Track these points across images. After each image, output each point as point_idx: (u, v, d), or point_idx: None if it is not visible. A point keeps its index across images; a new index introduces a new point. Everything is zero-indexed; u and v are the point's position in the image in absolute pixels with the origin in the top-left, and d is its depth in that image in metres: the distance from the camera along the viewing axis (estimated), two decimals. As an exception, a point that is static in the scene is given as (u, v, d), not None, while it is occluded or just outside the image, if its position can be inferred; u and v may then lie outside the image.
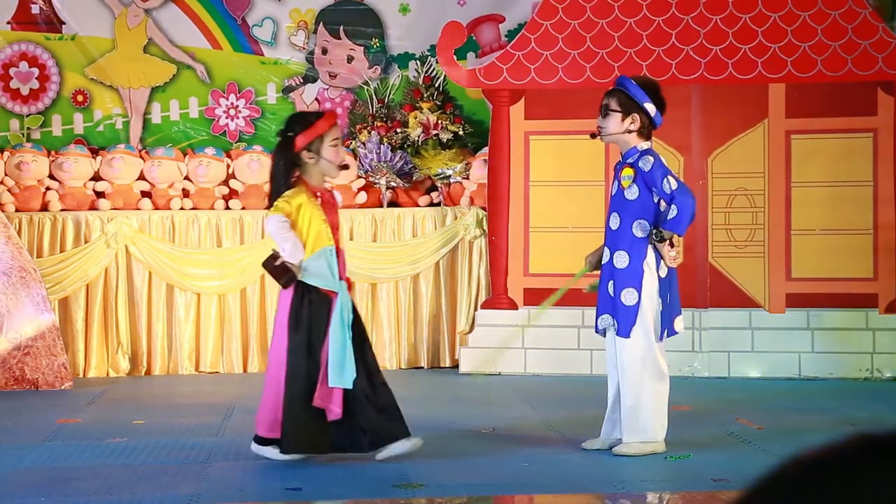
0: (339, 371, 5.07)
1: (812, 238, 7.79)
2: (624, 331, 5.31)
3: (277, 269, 5.10)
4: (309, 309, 5.13)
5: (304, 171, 5.22)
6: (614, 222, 5.39)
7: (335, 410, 5.10)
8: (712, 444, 5.61)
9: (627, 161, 5.39)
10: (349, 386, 5.09)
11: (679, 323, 5.43)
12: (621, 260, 5.34)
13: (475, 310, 8.23)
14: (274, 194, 5.21)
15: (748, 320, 7.77)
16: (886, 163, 7.73)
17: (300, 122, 5.32)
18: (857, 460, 0.98)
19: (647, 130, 5.40)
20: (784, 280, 7.80)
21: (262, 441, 5.26)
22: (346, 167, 5.63)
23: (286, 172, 5.19)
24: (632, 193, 5.35)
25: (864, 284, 7.73)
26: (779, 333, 7.72)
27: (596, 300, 5.48)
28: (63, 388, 7.48)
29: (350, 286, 5.27)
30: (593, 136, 5.50)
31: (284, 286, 5.15)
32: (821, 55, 7.70)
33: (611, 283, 5.36)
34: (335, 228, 5.23)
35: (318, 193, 5.24)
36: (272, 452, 5.22)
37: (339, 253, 5.21)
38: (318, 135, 5.20)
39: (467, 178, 8.54)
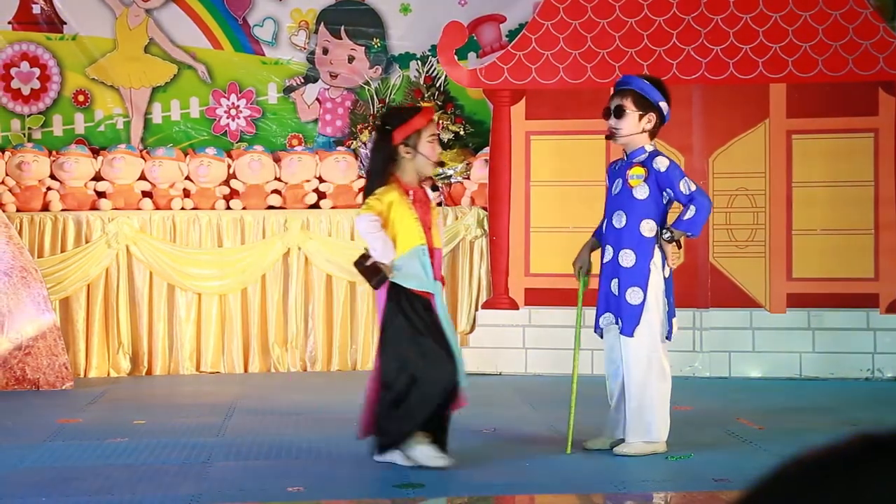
0: (462, 370, 5.14)
1: (813, 238, 7.79)
2: (628, 330, 5.30)
3: (368, 269, 5.01)
4: (411, 312, 5.03)
5: (398, 167, 5.12)
6: (619, 221, 5.36)
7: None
8: (713, 444, 5.61)
9: (634, 160, 5.38)
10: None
11: (675, 324, 5.44)
12: (627, 259, 5.33)
13: (476, 310, 8.23)
14: (368, 190, 5.13)
15: (749, 320, 7.77)
16: (887, 163, 7.73)
17: (398, 116, 5.24)
18: (857, 460, 0.98)
19: (656, 129, 5.42)
20: (785, 280, 7.79)
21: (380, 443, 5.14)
22: (441, 164, 5.60)
23: (384, 168, 5.10)
24: (641, 193, 5.35)
25: (865, 284, 7.73)
26: (780, 333, 7.71)
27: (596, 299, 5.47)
28: (64, 388, 7.48)
29: (444, 285, 5.25)
30: (609, 137, 5.48)
31: (375, 287, 5.07)
32: (822, 55, 7.70)
33: (615, 281, 5.34)
34: (428, 227, 5.12)
35: (411, 191, 5.14)
36: (400, 457, 5.09)
37: (432, 252, 5.12)
38: (415, 130, 5.11)
39: (468, 178, 8.54)
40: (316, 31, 8.98)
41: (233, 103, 8.95)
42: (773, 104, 7.79)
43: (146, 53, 8.85)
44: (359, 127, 8.84)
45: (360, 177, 8.59)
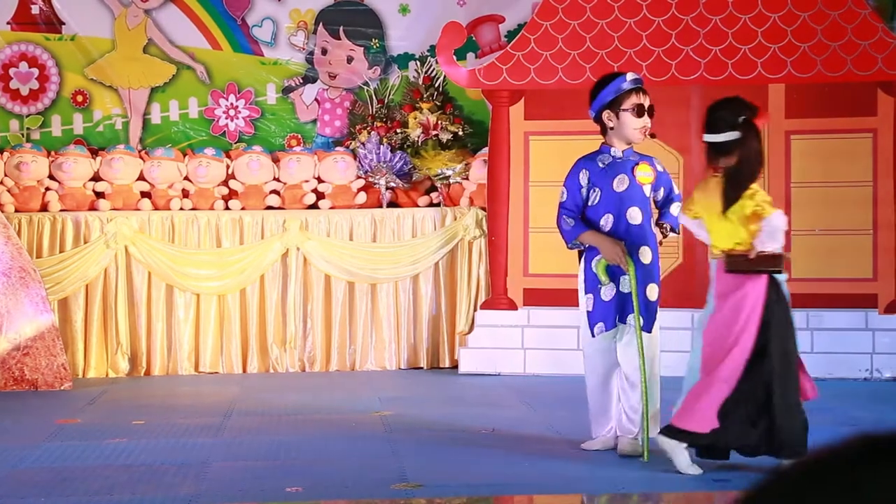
0: None
1: (812, 238, 7.79)
2: (648, 326, 5.30)
3: (765, 259, 4.86)
4: (779, 304, 4.93)
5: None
6: (636, 217, 5.33)
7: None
8: (712, 444, 5.60)
9: (633, 158, 5.38)
10: None
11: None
12: (646, 256, 5.32)
13: (475, 310, 8.23)
14: (742, 186, 4.91)
15: (748, 321, 7.77)
16: (886, 163, 7.73)
17: (746, 106, 5.01)
18: (858, 461, 0.98)
19: None
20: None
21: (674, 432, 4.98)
22: None
23: (759, 161, 4.95)
24: (648, 190, 5.39)
25: (864, 285, 7.73)
26: (778, 334, 7.70)
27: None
28: (62, 388, 7.48)
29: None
30: (653, 136, 5.51)
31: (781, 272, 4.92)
32: (820, 55, 7.70)
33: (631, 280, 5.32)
34: None
35: None
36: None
37: None
38: (768, 121, 5.07)
39: (467, 179, 8.54)
40: (315, 32, 8.98)
41: (231, 104, 8.95)
42: (772, 104, 7.79)
43: (145, 54, 8.85)
44: (357, 127, 8.83)
45: (360, 177, 8.59)
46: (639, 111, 5.32)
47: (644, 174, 5.36)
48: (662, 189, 5.45)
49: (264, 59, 8.98)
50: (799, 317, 7.72)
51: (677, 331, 7.72)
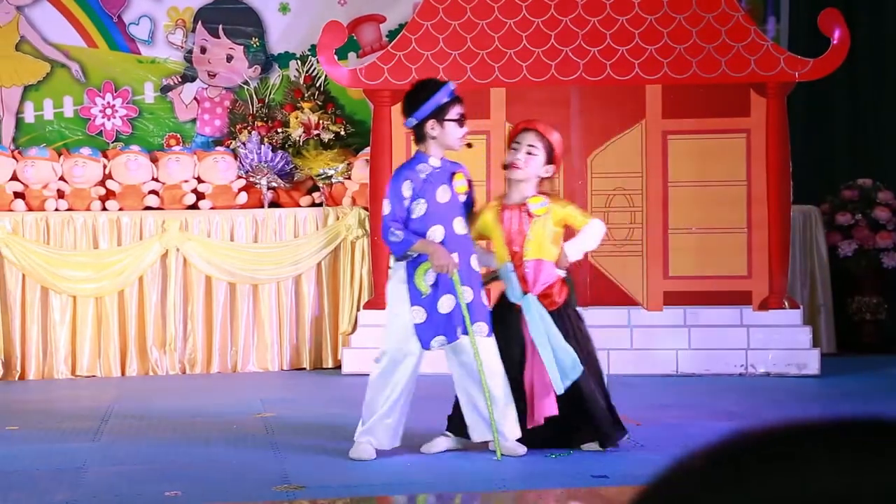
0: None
1: (688, 237, 7.93)
2: (491, 331, 5.34)
3: None
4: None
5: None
6: (461, 227, 5.34)
7: None
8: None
9: (448, 168, 5.37)
10: None
11: None
12: (475, 263, 5.38)
13: (358, 310, 8.21)
14: None
15: (627, 318, 7.89)
16: (759, 163, 7.90)
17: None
18: (741, 458, 0.97)
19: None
20: (661, 278, 7.93)
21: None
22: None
23: None
24: (463, 199, 5.41)
25: (739, 282, 7.90)
26: (657, 331, 7.84)
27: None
28: (-67, 394, 7.27)
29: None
30: (469, 146, 5.52)
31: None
32: (695, 57, 7.85)
33: (468, 289, 5.30)
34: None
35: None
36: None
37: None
38: None
39: (349, 179, 8.52)
40: (193, 30, 8.87)
41: (108, 102, 8.80)
42: (649, 105, 7.92)
43: (17, 51, 8.66)
44: (238, 127, 8.76)
45: (240, 177, 8.51)
46: (461, 121, 5.35)
47: (460, 183, 5.36)
48: (468, 197, 5.46)
49: (142, 58, 8.85)
50: (676, 314, 7.90)
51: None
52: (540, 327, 5.28)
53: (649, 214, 7.94)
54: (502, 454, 5.21)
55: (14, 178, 8.29)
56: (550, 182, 5.55)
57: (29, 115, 8.72)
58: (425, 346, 5.29)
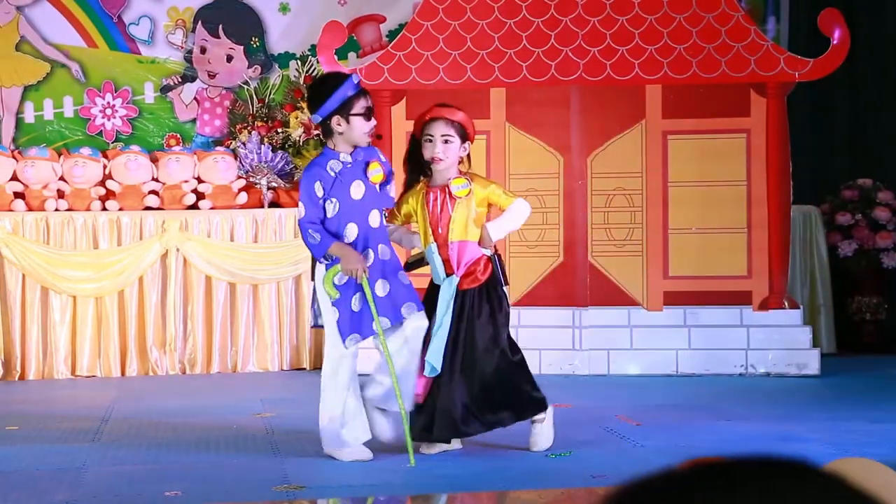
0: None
1: (688, 237, 7.93)
2: (419, 306, 5.33)
3: None
4: None
5: None
6: (376, 220, 5.32)
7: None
8: (592, 441, 5.68)
9: (360, 158, 5.33)
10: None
11: None
12: (384, 252, 5.32)
13: (357, 310, 8.20)
14: None
15: (627, 318, 7.89)
16: (759, 163, 7.90)
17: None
18: (692, 484, 1.07)
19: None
20: (661, 278, 7.93)
21: None
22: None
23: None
24: (379, 186, 5.40)
25: (739, 282, 7.90)
26: (657, 331, 7.84)
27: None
28: (-67, 394, 7.27)
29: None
30: (379, 136, 5.60)
31: None
32: (695, 57, 7.85)
33: (382, 281, 5.28)
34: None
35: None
36: None
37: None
38: None
39: (349, 179, 8.51)
40: (193, 30, 8.88)
41: (108, 102, 8.80)
42: (649, 105, 7.92)
43: (17, 51, 8.66)
44: (238, 127, 8.76)
45: (240, 177, 8.51)
46: (368, 114, 5.30)
47: (375, 172, 5.32)
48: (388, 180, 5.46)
49: (142, 58, 8.85)
50: (676, 314, 7.90)
51: (560, 329, 7.82)
52: (444, 307, 5.27)
53: (649, 214, 7.94)
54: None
55: (14, 178, 8.29)
56: (468, 159, 5.48)
57: (29, 115, 8.72)
58: (342, 343, 5.25)
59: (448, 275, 5.34)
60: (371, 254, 5.27)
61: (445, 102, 5.67)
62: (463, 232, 5.35)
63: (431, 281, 5.45)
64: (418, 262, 5.53)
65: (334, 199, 5.25)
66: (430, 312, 5.32)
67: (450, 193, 5.38)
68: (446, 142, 5.38)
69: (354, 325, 5.24)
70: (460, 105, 7.89)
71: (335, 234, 5.24)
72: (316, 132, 8.59)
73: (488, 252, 5.40)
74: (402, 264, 5.43)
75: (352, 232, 5.26)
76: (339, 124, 5.25)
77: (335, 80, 5.41)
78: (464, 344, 5.29)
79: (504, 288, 5.44)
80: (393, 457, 5.33)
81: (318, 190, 5.23)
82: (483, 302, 5.34)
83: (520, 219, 5.47)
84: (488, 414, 5.30)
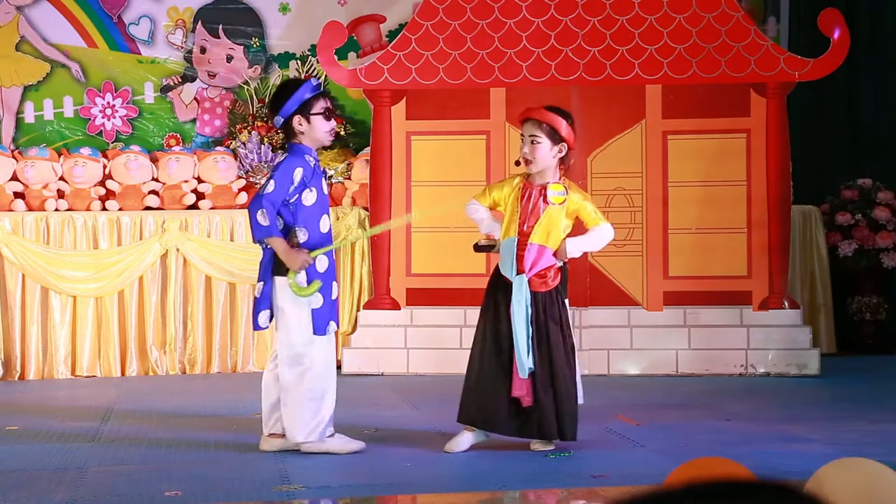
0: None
1: (688, 237, 7.93)
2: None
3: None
4: None
5: None
6: (326, 225, 5.35)
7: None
8: (592, 440, 5.67)
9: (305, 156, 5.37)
10: None
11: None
12: (324, 260, 5.35)
13: (358, 310, 8.21)
14: None
15: (627, 318, 7.89)
16: (759, 163, 7.90)
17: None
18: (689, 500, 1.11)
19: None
20: (661, 278, 7.93)
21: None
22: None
23: None
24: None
25: (739, 282, 7.90)
26: (657, 331, 7.84)
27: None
28: (-67, 394, 7.27)
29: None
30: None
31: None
32: (695, 57, 7.85)
33: (334, 283, 5.38)
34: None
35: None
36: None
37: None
38: None
39: (349, 179, 8.52)
40: (193, 30, 8.88)
41: (108, 102, 8.80)
42: (648, 105, 7.92)
43: (17, 51, 8.66)
44: (238, 127, 8.76)
45: (240, 177, 8.52)
46: (328, 114, 5.35)
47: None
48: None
49: (142, 58, 8.85)
50: (676, 314, 7.90)
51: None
52: (522, 309, 5.30)
53: (649, 214, 7.94)
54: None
55: (14, 178, 8.29)
56: (568, 160, 5.50)
57: (29, 116, 8.72)
58: (321, 331, 5.29)
59: (518, 273, 5.36)
60: (325, 260, 5.32)
61: (553, 105, 5.66)
62: (545, 237, 5.36)
63: (496, 270, 5.46)
64: (488, 247, 5.53)
65: (313, 189, 5.29)
66: (491, 299, 5.40)
67: (545, 197, 5.38)
68: (533, 142, 5.40)
69: (333, 314, 5.36)
70: (460, 105, 7.93)
71: (312, 224, 5.27)
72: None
73: (559, 263, 5.42)
74: (473, 244, 5.51)
75: (325, 224, 5.34)
76: (301, 124, 5.32)
77: (294, 83, 5.51)
78: (545, 348, 5.36)
79: (567, 300, 5.51)
80: (393, 457, 5.34)
81: (298, 175, 5.25)
82: (555, 309, 5.39)
83: (601, 243, 5.53)
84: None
